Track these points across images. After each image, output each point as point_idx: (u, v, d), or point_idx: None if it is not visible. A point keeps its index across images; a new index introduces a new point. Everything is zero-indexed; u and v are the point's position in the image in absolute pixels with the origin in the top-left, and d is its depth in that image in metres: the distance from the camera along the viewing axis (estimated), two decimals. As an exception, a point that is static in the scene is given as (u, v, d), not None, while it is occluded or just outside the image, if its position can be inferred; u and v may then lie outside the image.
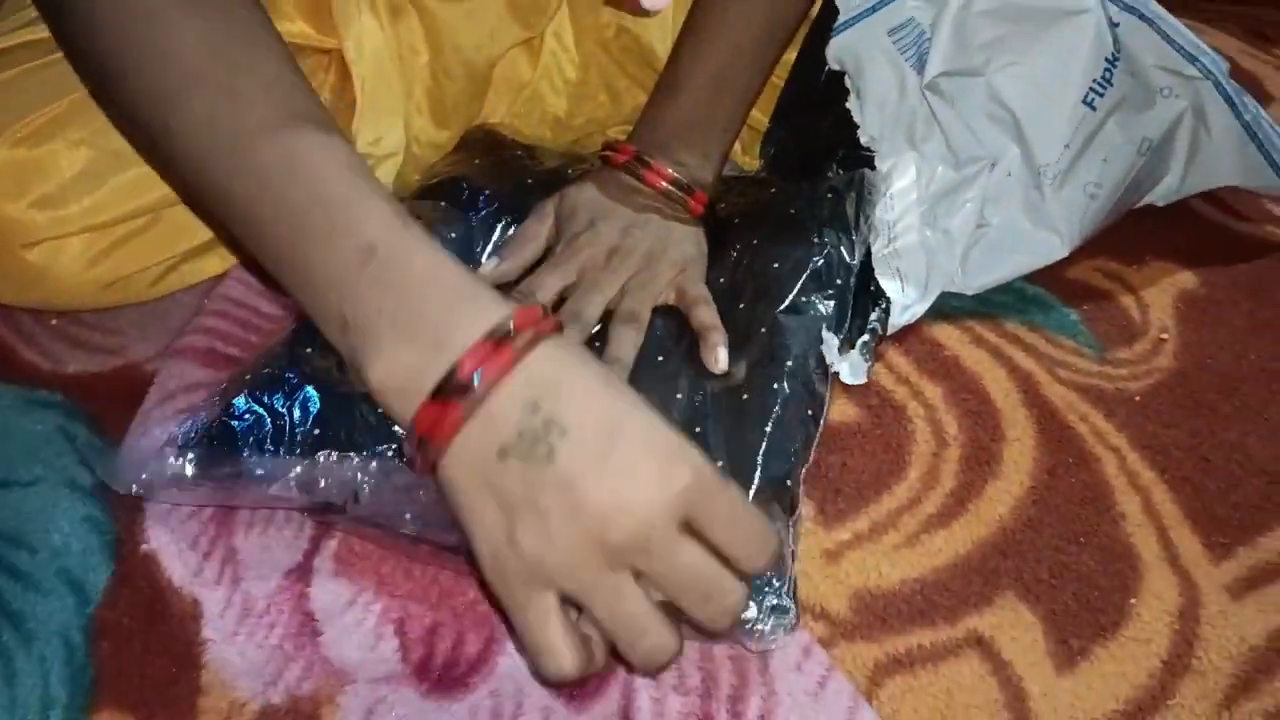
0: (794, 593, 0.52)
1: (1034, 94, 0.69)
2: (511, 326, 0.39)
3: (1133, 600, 0.55)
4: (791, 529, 0.54)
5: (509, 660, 0.52)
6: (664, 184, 0.62)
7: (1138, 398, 0.66)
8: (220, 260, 0.71)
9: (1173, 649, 0.53)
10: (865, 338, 0.63)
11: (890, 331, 0.66)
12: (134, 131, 0.58)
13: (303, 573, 0.56)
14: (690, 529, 0.39)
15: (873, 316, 0.64)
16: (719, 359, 0.58)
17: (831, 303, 0.61)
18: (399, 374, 0.40)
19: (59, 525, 0.56)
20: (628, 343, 0.58)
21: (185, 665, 0.52)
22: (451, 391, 0.38)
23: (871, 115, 0.68)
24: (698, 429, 0.56)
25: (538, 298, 0.58)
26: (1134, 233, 0.77)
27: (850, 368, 0.62)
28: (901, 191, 0.66)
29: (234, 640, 0.53)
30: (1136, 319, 0.72)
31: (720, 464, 0.54)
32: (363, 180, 0.42)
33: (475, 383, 0.38)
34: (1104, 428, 0.64)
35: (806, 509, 0.59)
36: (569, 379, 0.39)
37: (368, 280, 0.40)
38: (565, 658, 0.39)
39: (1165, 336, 0.71)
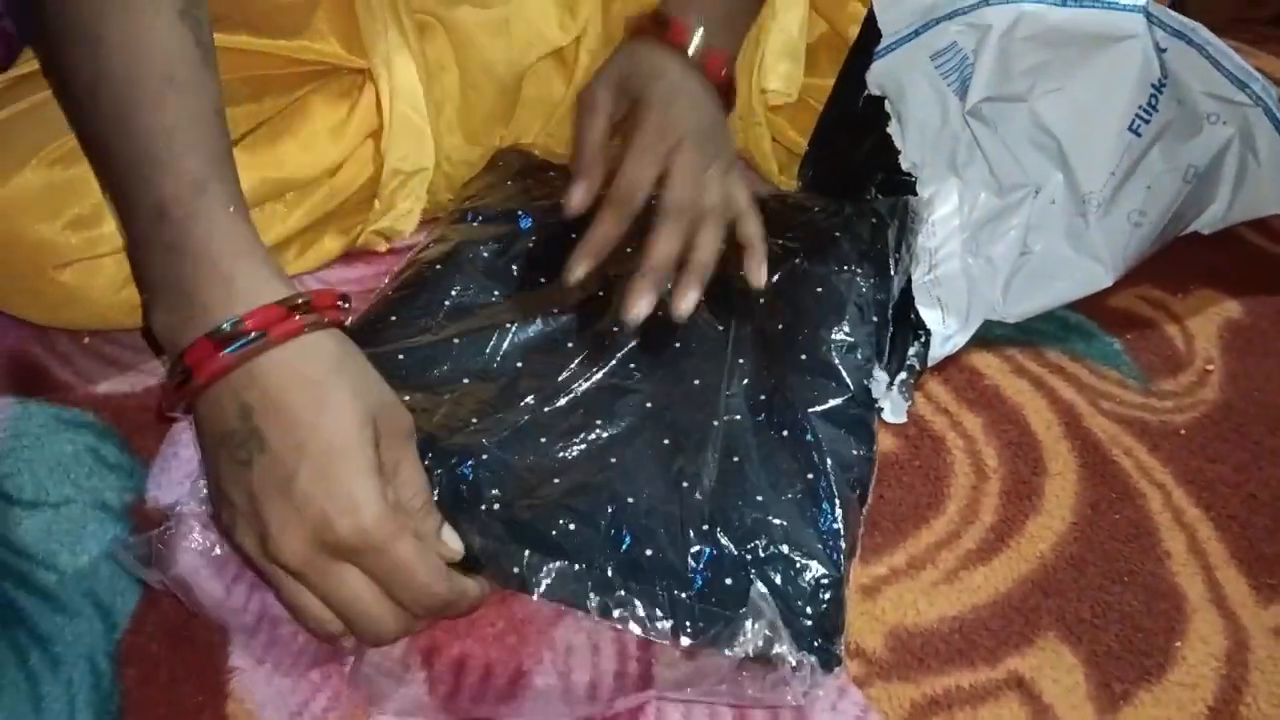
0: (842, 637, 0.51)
1: (1078, 120, 0.68)
2: (242, 326, 0.44)
3: (1178, 643, 0.54)
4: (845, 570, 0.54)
5: (537, 692, 0.51)
6: (687, 40, 0.61)
7: (1183, 431, 0.65)
8: None
9: (1220, 695, 0.52)
10: (904, 375, 0.62)
11: (930, 364, 0.65)
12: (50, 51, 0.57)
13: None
14: None
15: (911, 351, 0.63)
16: (759, 276, 0.60)
17: (869, 331, 0.60)
18: (163, 333, 0.47)
19: (88, 547, 0.56)
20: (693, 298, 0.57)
21: (211, 693, 0.51)
22: (180, 375, 0.45)
23: (913, 140, 0.67)
24: (735, 458, 0.55)
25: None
26: (1178, 260, 0.75)
27: (891, 406, 0.61)
28: (943, 218, 0.65)
29: (261, 668, 0.52)
30: (1181, 349, 0.71)
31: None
32: (190, 135, 0.47)
33: (192, 377, 0.45)
34: (1148, 462, 0.63)
35: (842, 542, 0.58)
36: (288, 395, 0.44)
37: (156, 239, 0.46)
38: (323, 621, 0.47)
39: (1211, 368, 0.69)
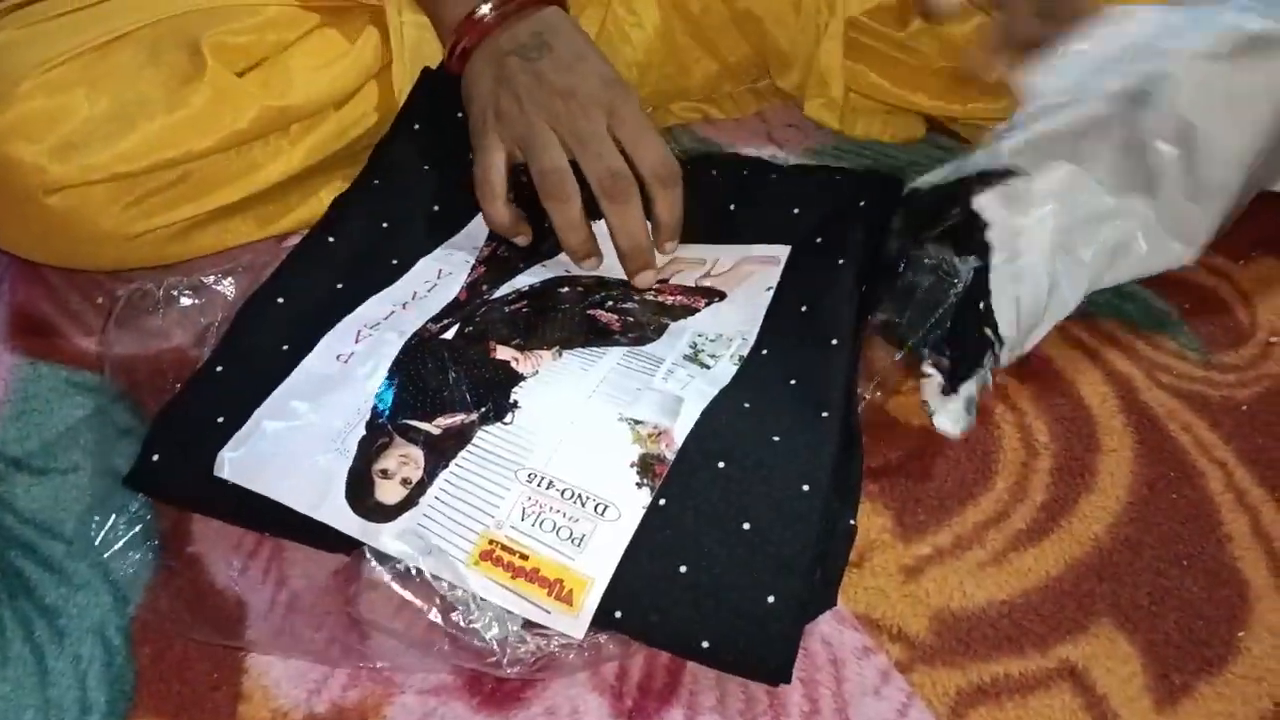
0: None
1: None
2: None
3: (1241, 633, 0.51)
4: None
5: (564, 676, 0.49)
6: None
7: (1245, 407, 0.61)
8: (252, 225, 0.68)
9: (1287, 689, 0.49)
10: (972, 388, 0.58)
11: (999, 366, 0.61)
12: None
13: (351, 573, 0.53)
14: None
15: (985, 361, 0.58)
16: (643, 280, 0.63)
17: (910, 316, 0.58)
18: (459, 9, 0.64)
19: (97, 516, 0.53)
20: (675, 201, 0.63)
21: (227, 671, 0.49)
22: (482, 17, 0.64)
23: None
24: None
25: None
26: (1240, 226, 0.71)
27: (950, 419, 0.57)
28: (1041, 197, 0.60)
29: (278, 644, 0.50)
30: (1243, 320, 0.67)
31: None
32: None
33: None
34: (1209, 439, 0.60)
35: (883, 519, 0.55)
36: (566, 29, 0.64)
37: None
38: (498, 195, 0.62)
39: (1275, 340, 0.65)
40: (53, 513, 0.54)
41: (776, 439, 0.53)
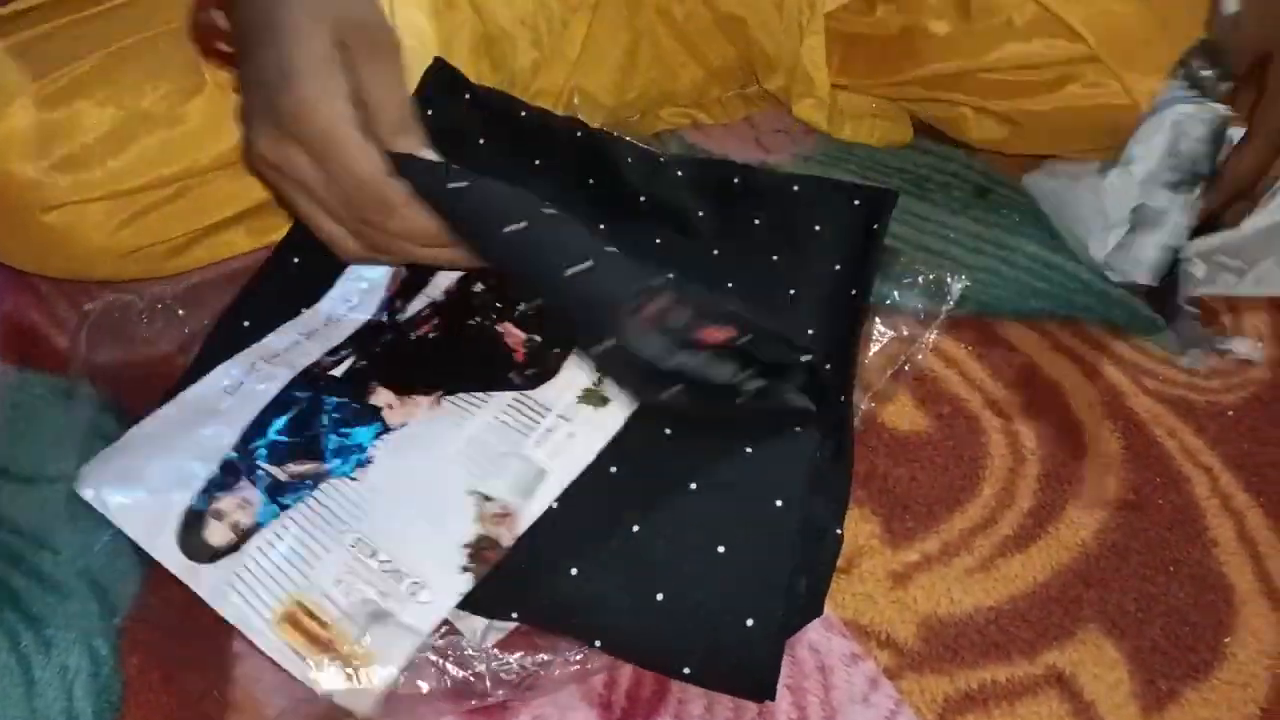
0: None
1: None
2: None
3: (1227, 639, 0.51)
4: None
5: (552, 692, 0.49)
6: None
7: (1231, 412, 0.62)
8: (245, 236, 0.68)
9: (1272, 695, 0.49)
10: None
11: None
12: None
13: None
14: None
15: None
16: None
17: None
18: None
19: (85, 525, 0.53)
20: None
21: (216, 680, 0.49)
22: None
23: None
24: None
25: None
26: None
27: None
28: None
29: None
30: (1229, 327, 0.67)
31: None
32: None
33: None
34: (1194, 444, 0.60)
35: (871, 526, 0.56)
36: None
37: None
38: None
39: (1260, 345, 0.66)
40: (40, 521, 0.54)
41: (749, 451, 0.52)
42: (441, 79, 0.68)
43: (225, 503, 0.50)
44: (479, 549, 0.49)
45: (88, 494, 0.50)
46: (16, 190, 0.58)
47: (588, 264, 0.48)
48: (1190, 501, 0.57)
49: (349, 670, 0.46)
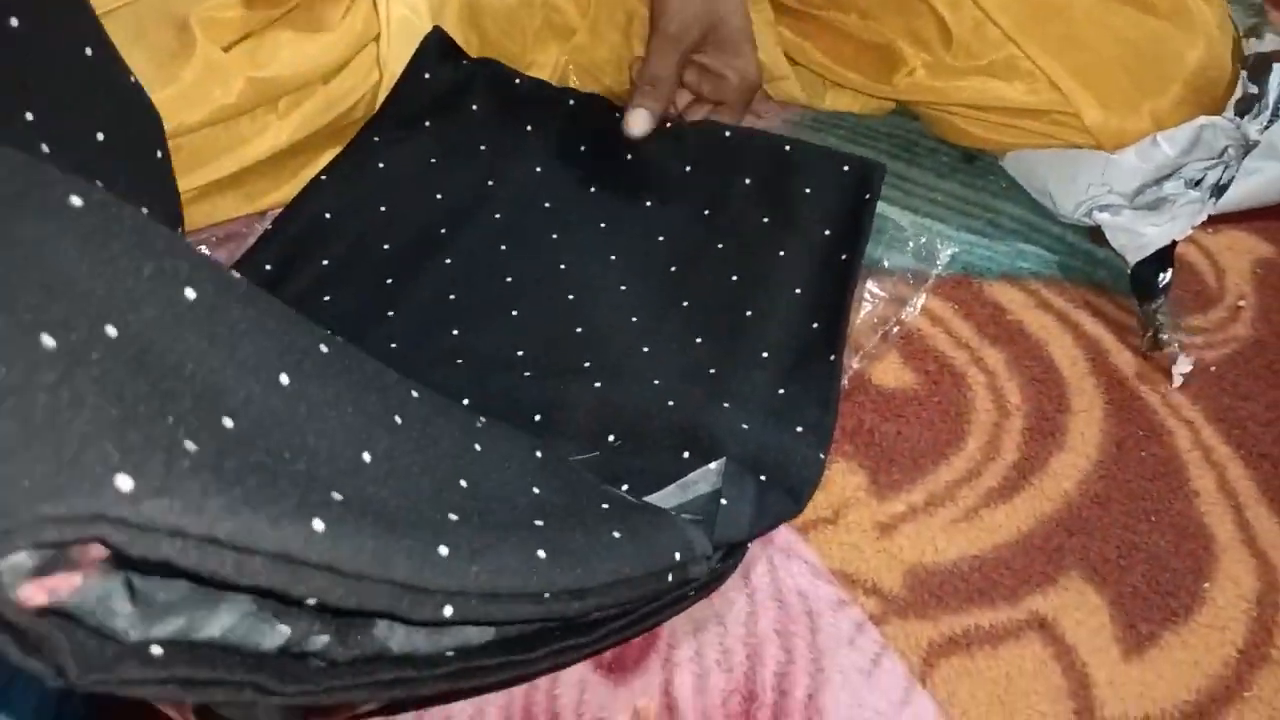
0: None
1: None
2: None
3: (1206, 584, 0.52)
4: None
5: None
6: None
7: (1213, 368, 0.63)
8: (240, 200, 0.68)
9: (1250, 637, 0.50)
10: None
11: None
12: None
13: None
14: None
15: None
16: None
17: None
18: None
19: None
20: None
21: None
22: None
23: None
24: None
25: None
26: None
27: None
28: None
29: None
30: (1212, 284, 0.68)
31: None
32: None
33: None
34: (1177, 399, 0.61)
35: (858, 478, 0.56)
36: None
37: None
38: None
39: (1243, 304, 0.67)
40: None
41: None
42: (438, 48, 0.68)
43: None
44: None
45: None
46: None
47: None
48: (1172, 454, 0.58)
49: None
